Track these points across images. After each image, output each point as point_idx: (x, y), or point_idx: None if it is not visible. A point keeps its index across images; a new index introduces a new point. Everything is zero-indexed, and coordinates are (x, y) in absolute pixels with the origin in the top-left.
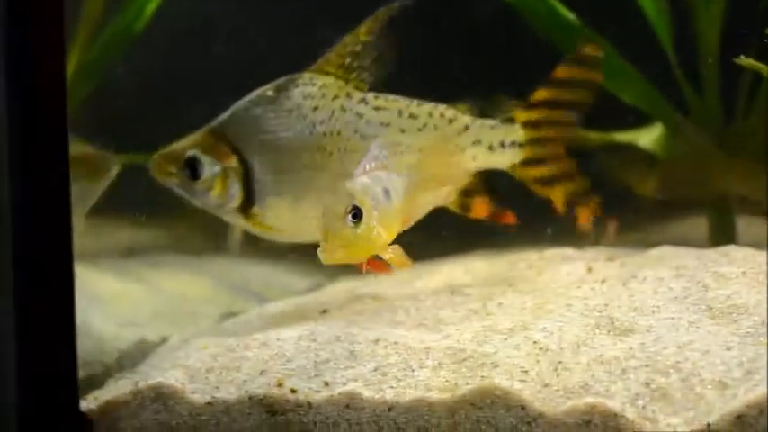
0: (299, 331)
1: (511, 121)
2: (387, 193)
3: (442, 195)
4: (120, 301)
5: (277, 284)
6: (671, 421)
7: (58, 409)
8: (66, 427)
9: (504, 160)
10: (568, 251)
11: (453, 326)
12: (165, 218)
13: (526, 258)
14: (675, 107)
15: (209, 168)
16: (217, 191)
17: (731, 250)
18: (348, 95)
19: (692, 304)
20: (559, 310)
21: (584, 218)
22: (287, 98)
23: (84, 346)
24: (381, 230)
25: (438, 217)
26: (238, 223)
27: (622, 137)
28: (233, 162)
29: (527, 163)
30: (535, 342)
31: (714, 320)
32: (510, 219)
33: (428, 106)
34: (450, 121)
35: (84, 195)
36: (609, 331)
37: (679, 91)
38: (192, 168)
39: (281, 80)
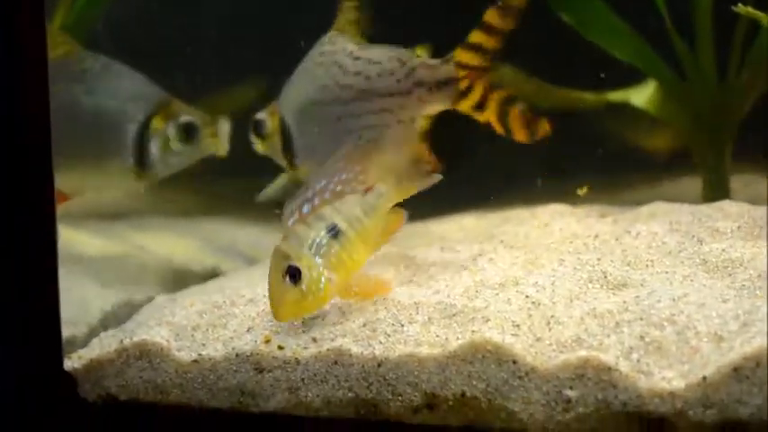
0: None
1: (447, 60)
2: (333, 229)
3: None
4: (105, 263)
5: (266, 247)
6: (666, 375)
7: (41, 368)
8: (50, 386)
9: (446, 99)
10: (560, 207)
11: (443, 281)
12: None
13: (517, 215)
14: (669, 65)
15: (268, 125)
16: (276, 145)
17: (725, 205)
18: (343, 49)
19: (687, 258)
20: (551, 265)
21: (518, 129)
22: (310, 58)
23: (67, 306)
24: (333, 275)
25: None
26: (292, 175)
27: (615, 96)
28: (276, 119)
29: (461, 96)
30: (527, 296)
31: (709, 274)
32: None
33: (389, 51)
34: (403, 63)
35: (177, 157)
36: (602, 285)
37: (672, 48)
38: (258, 127)
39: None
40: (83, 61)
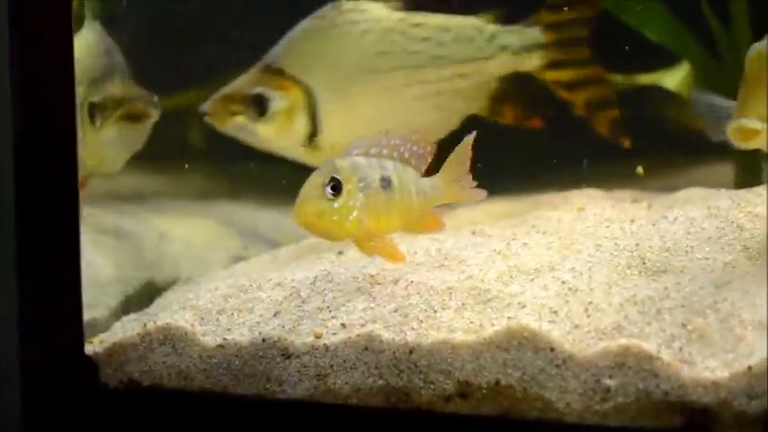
0: (314, 272)
1: (531, 24)
2: (387, 181)
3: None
4: (127, 246)
5: (289, 230)
6: (709, 364)
7: (62, 352)
8: (71, 371)
9: (530, 64)
10: (592, 192)
11: (477, 266)
12: (172, 163)
13: (549, 200)
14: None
15: (277, 103)
16: (283, 126)
17: (764, 190)
18: (389, 16)
19: (727, 244)
20: (588, 251)
21: (602, 125)
22: (335, 26)
23: (88, 289)
24: (365, 216)
25: None
26: (302, 157)
27: (647, 78)
28: (298, 94)
29: (550, 66)
30: (564, 282)
31: (751, 261)
32: (536, 123)
33: (458, 18)
34: (480, 30)
35: (126, 140)
36: (641, 272)
37: (707, 29)
38: (259, 104)
39: (324, 9)
40: None
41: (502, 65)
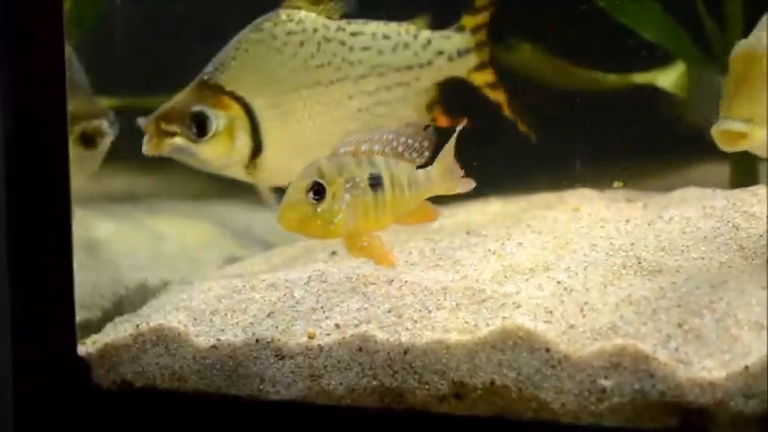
0: (308, 272)
1: (462, 29)
2: (376, 179)
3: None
4: (119, 246)
5: (283, 233)
6: (706, 364)
7: (55, 353)
8: (64, 372)
9: (462, 68)
10: (587, 192)
11: (471, 266)
12: (163, 163)
13: (544, 200)
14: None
15: (217, 121)
16: (224, 145)
17: (759, 190)
18: (325, 26)
19: (723, 244)
20: (583, 250)
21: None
22: (272, 38)
23: (81, 290)
24: (351, 218)
25: None
26: (245, 176)
27: (641, 78)
28: (237, 111)
29: (478, 68)
30: (559, 282)
31: (747, 261)
32: (462, 122)
33: (394, 25)
34: (415, 36)
35: (80, 162)
36: (636, 271)
37: (701, 27)
38: (199, 124)
39: (258, 21)
40: None
41: (438, 70)
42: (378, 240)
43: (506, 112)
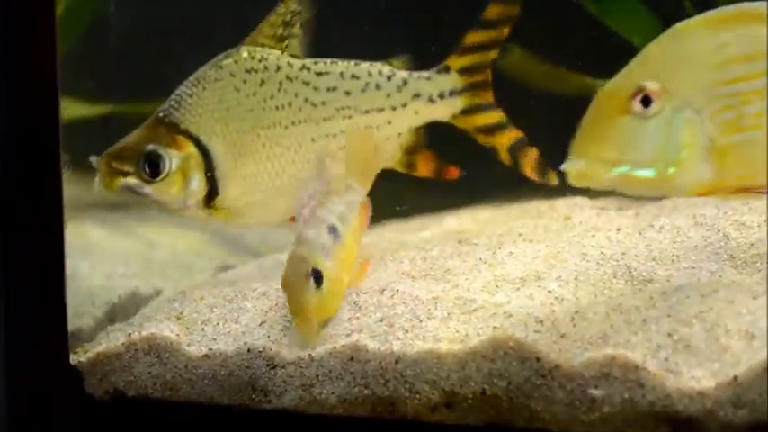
0: None
1: (446, 69)
2: (334, 231)
3: (386, 157)
4: (111, 255)
5: (274, 241)
6: (695, 374)
7: (47, 362)
8: (56, 381)
9: (446, 111)
10: (579, 200)
11: (462, 275)
12: None
13: (535, 208)
14: None
15: (170, 161)
16: (178, 185)
17: (751, 199)
18: (289, 65)
19: (713, 253)
20: (574, 260)
21: (529, 168)
22: (231, 75)
23: (73, 299)
24: (342, 274)
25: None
26: (202, 218)
27: None
28: (191, 150)
29: (467, 111)
30: (550, 291)
31: (737, 270)
32: (453, 173)
33: (365, 65)
34: (389, 77)
35: None
36: (627, 281)
37: None
38: (152, 164)
39: (218, 58)
40: None
41: (415, 114)
42: (359, 268)
43: (504, 157)
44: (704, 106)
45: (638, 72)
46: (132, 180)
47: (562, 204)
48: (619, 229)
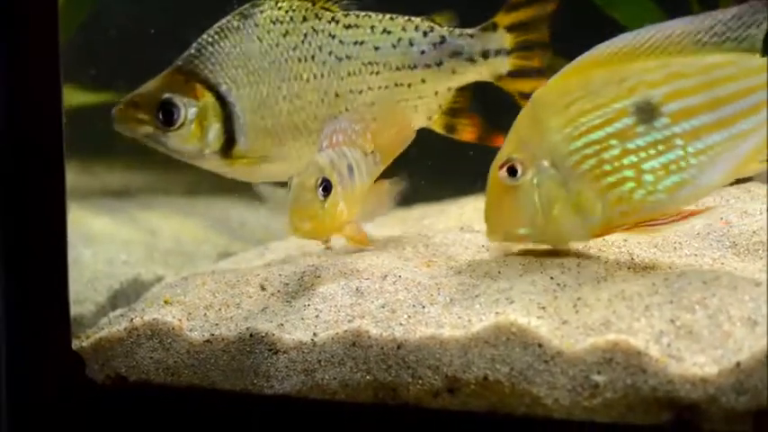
0: (302, 267)
1: (493, 27)
2: (351, 170)
3: (421, 117)
4: (114, 242)
5: (277, 228)
6: (698, 360)
7: (49, 348)
8: (58, 366)
9: (489, 71)
10: None
11: (465, 262)
12: (158, 160)
13: None
14: None
15: (186, 110)
16: (195, 134)
17: (753, 187)
18: (317, 16)
19: (716, 241)
20: (576, 247)
21: None
22: (254, 25)
23: (76, 284)
24: (344, 207)
25: (448, 160)
26: (219, 168)
27: None
28: (209, 99)
29: (514, 74)
30: (552, 278)
31: (740, 257)
32: (499, 141)
33: (401, 20)
34: (425, 33)
35: None
36: (629, 267)
37: None
38: (167, 112)
39: (244, 7)
40: None
41: (452, 73)
42: (354, 226)
43: None
44: (561, 162)
45: (510, 145)
46: (148, 128)
47: None
48: None
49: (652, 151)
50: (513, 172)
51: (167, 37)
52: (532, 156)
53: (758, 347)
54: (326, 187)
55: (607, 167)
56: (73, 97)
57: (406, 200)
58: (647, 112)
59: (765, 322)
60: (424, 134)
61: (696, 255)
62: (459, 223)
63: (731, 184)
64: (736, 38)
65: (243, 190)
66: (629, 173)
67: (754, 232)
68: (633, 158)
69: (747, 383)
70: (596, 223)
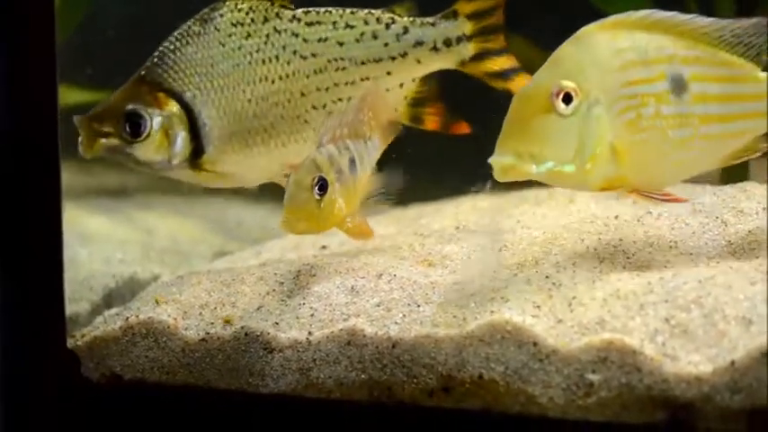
0: (297, 266)
1: (454, 15)
2: (353, 163)
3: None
4: (110, 241)
5: (274, 228)
6: (692, 358)
7: (44, 346)
8: (53, 364)
9: (452, 59)
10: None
11: (460, 261)
12: None
13: (534, 196)
14: None
15: (152, 120)
16: (161, 145)
17: (749, 186)
18: (278, 15)
19: (711, 240)
20: (572, 246)
21: None
22: (215, 29)
23: (71, 283)
24: (342, 204)
25: (444, 160)
26: (188, 178)
27: None
28: (174, 108)
29: (477, 57)
30: (547, 277)
31: (735, 256)
32: (463, 128)
33: (362, 13)
34: (388, 25)
35: None
36: (624, 266)
37: None
38: (133, 124)
39: (203, 11)
40: None
41: (417, 63)
42: (356, 220)
43: None
44: (610, 105)
45: (555, 73)
46: (113, 141)
47: (561, 192)
48: (617, 216)
49: (673, 122)
50: (568, 99)
51: (163, 37)
52: (581, 89)
53: (753, 346)
54: (323, 186)
55: (643, 124)
56: (70, 96)
57: (402, 199)
58: (679, 85)
59: (760, 321)
60: (420, 133)
61: (692, 254)
62: (456, 223)
63: (727, 184)
64: (747, 43)
65: (241, 190)
66: (654, 135)
67: (749, 232)
68: (661, 123)
69: (742, 382)
70: (613, 175)
